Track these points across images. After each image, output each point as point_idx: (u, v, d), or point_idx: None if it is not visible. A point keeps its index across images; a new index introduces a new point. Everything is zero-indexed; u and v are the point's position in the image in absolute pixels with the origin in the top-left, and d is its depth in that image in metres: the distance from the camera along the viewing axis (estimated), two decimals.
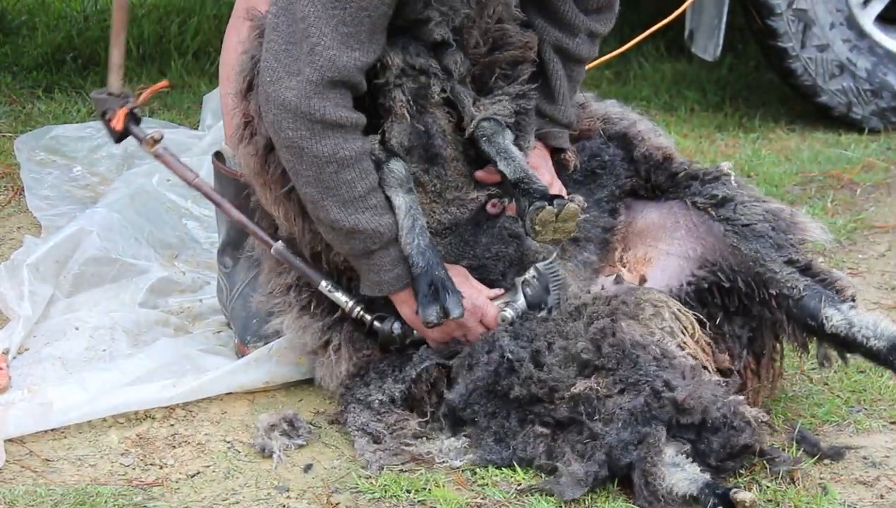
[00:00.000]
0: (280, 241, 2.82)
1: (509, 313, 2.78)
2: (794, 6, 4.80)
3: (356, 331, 2.85)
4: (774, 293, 2.81)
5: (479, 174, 2.78)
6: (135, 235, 3.58)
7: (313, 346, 2.88)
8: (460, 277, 2.76)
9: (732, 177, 2.96)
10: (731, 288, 2.84)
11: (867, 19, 4.92)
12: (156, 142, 2.89)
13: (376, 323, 2.81)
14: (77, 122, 4.52)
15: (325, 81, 2.55)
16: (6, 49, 5.46)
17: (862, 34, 4.91)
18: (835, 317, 2.78)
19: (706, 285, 2.86)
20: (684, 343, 2.75)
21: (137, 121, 2.92)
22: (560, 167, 2.94)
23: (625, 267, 2.92)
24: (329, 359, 2.86)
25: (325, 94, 2.56)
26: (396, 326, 2.81)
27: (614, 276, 2.89)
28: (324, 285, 2.80)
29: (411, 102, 2.70)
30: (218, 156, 3.22)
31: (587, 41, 2.91)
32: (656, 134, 3.07)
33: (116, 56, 2.85)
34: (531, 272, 2.81)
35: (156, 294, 3.40)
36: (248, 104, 2.73)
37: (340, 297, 2.80)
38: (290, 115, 2.58)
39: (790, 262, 2.84)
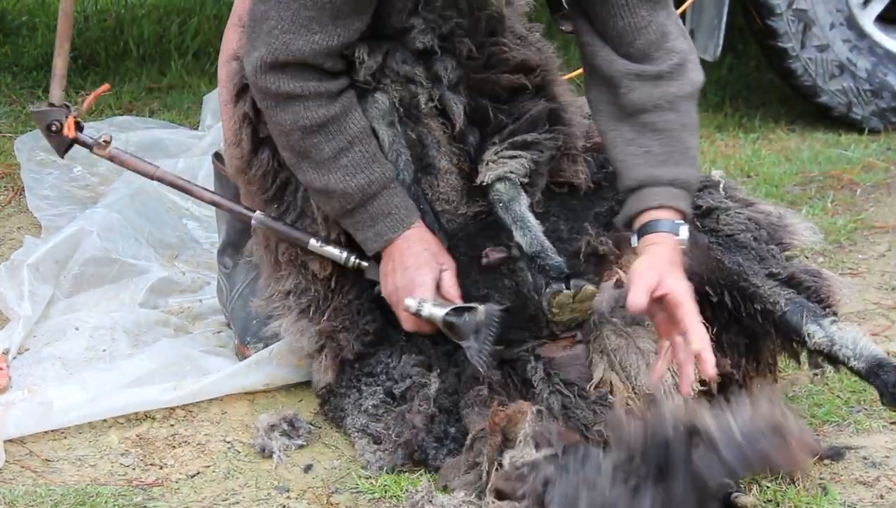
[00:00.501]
0: (258, 211, 2.82)
1: (413, 303, 2.66)
2: (794, 6, 4.80)
3: (352, 333, 2.82)
4: (759, 308, 2.81)
5: (487, 255, 2.76)
6: (135, 235, 3.58)
7: (309, 350, 2.87)
8: (426, 257, 2.70)
9: (721, 185, 2.94)
10: (719, 302, 2.84)
11: (867, 19, 4.92)
12: (107, 144, 2.91)
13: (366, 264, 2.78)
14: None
15: (279, 62, 2.59)
16: (6, 49, 5.46)
17: (862, 34, 4.91)
18: (817, 334, 2.77)
19: (697, 297, 2.85)
20: None
21: (81, 129, 2.95)
22: (571, 189, 2.90)
23: (621, 269, 2.92)
24: (323, 363, 2.85)
25: (279, 71, 2.59)
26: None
27: (614, 280, 2.88)
28: (313, 243, 2.78)
29: (400, 110, 2.70)
30: (218, 156, 3.22)
31: (640, 85, 2.66)
32: None
33: (60, 66, 2.86)
34: (482, 308, 2.66)
35: (156, 294, 3.40)
36: (239, 109, 2.75)
37: (333, 251, 2.78)
38: (255, 88, 2.65)
39: (772, 275, 2.83)
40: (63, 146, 2.95)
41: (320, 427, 2.87)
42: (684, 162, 2.65)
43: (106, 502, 2.56)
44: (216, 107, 4.22)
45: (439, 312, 2.65)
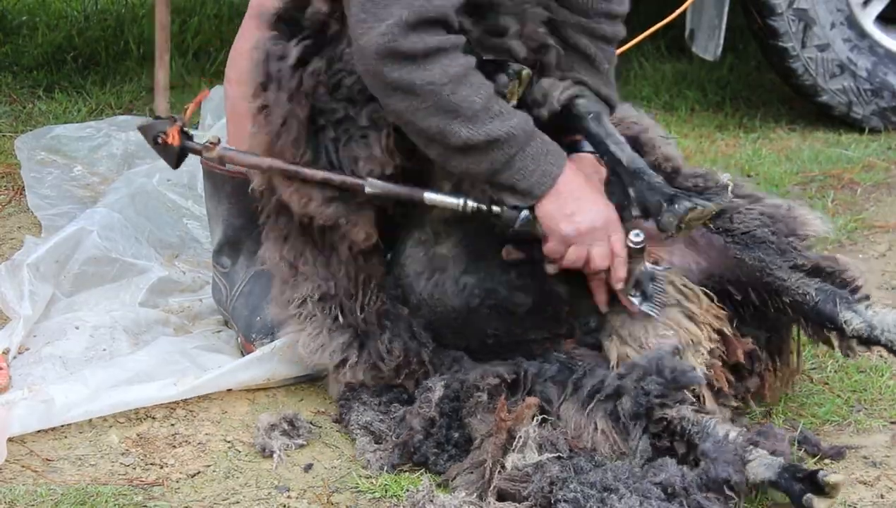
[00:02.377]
0: (368, 177, 2.73)
1: (640, 236, 2.67)
2: (795, 6, 4.80)
3: (373, 349, 2.82)
4: (788, 300, 2.80)
5: (508, 253, 2.75)
6: (135, 235, 3.59)
7: (330, 366, 2.85)
8: (594, 187, 2.71)
9: (730, 188, 2.94)
10: (743, 299, 2.83)
11: (868, 19, 4.92)
12: (215, 145, 2.86)
13: (495, 208, 2.71)
14: (77, 122, 4.52)
15: (421, 20, 2.54)
16: (6, 49, 5.46)
17: (862, 34, 4.91)
18: (854, 321, 2.77)
19: (717, 296, 2.84)
20: (693, 313, 2.75)
21: (189, 137, 2.89)
22: None
23: None
24: (344, 377, 2.85)
25: (423, 29, 2.55)
26: (525, 213, 2.69)
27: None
28: (427, 195, 2.72)
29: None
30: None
31: (606, 21, 2.88)
32: (667, 143, 3.03)
33: (162, 77, 2.83)
34: (651, 267, 2.73)
35: (156, 293, 3.40)
36: (265, 94, 2.72)
37: (447, 199, 2.72)
38: (391, 58, 2.55)
39: (796, 267, 2.82)
40: (173, 156, 2.88)
41: (321, 427, 2.87)
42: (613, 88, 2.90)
43: (106, 501, 2.56)
44: (216, 106, 4.22)
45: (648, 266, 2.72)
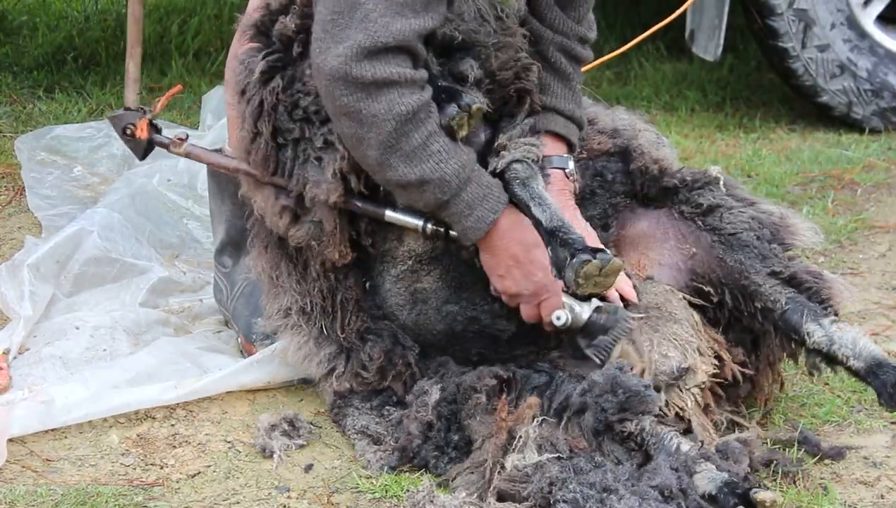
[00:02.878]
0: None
1: (564, 316, 2.67)
2: (795, 6, 4.80)
3: (357, 359, 2.82)
4: (759, 306, 2.82)
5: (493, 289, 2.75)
6: (135, 235, 3.59)
7: (318, 376, 2.86)
8: (528, 245, 2.69)
9: (721, 182, 2.94)
10: (720, 301, 2.84)
11: (868, 19, 4.92)
12: (182, 141, 2.89)
13: (452, 233, 2.72)
14: (78, 122, 4.52)
15: (378, 46, 2.53)
16: (7, 49, 5.46)
17: (863, 34, 4.91)
18: (816, 333, 2.79)
19: (699, 296, 2.86)
20: (699, 346, 2.76)
21: (158, 130, 2.94)
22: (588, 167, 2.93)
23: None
24: (332, 386, 2.85)
25: (377, 57, 2.54)
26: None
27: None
28: (388, 214, 2.73)
29: None
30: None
31: (579, 44, 2.91)
32: (657, 146, 3.03)
33: (133, 70, 2.84)
34: (608, 306, 2.69)
35: (156, 293, 3.40)
36: (243, 107, 2.72)
37: (408, 218, 2.72)
38: (341, 82, 2.55)
39: (774, 274, 2.83)
40: (140, 149, 2.94)
41: (321, 427, 2.87)
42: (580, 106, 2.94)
43: (106, 502, 2.56)
44: (216, 106, 4.23)
45: (582, 317, 2.68)
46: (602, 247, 2.65)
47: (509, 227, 2.67)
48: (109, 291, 3.37)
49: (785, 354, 2.87)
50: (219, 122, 4.04)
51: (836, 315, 2.82)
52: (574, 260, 2.53)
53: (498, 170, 2.69)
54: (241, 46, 2.81)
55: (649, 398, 2.59)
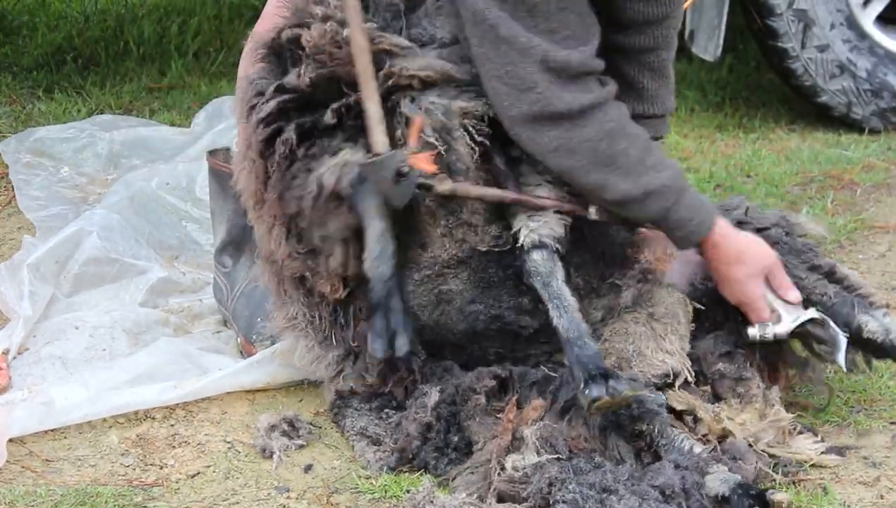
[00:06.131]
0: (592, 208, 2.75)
1: (753, 333, 2.75)
2: (795, 6, 4.80)
3: (363, 361, 2.81)
4: (804, 299, 2.80)
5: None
6: (135, 236, 3.59)
7: (326, 378, 2.86)
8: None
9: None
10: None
11: (867, 19, 4.92)
12: (447, 178, 2.63)
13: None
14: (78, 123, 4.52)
15: (565, 76, 2.56)
16: (6, 49, 5.46)
17: (862, 34, 4.91)
18: (870, 324, 2.79)
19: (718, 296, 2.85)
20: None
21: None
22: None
23: (645, 260, 2.90)
24: (339, 386, 2.84)
25: (568, 86, 2.56)
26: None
27: (640, 272, 2.85)
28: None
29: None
30: (212, 153, 3.21)
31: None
32: None
33: (374, 110, 2.51)
34: (825, 318, 2.75)
35: (156, 294, 3.40)
36: (250, 132, 2.69)
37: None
38: (545, 122, 2.57)
39: (814, 268, 2.83)
40: (409, 191, 2.57)
41: (320, 428, 2.87)
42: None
43: (106, 502, 2.56)
44: (212, 110, 4.26)
45: (785, 328, 2.75)
46: (614, 371, 2.59)
47: (727, 230, 2.72)
48: (109, 291, 3.37)
49: (811, 353, 2.86)
50: (212, 130, 4.07)
51: (887, 306, 2.83)
52: (587, 392, 2.52)
53: (520, 250, 2.69)
54: (251, 63, 2.79)
55: (660, 407, 2.58)
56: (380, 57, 2.58)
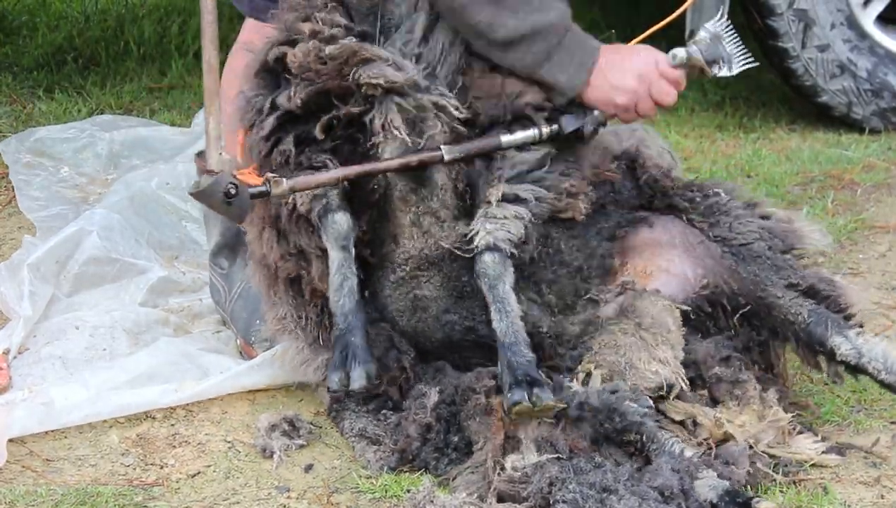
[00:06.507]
0: (443, 146, 2.70)
1: (681, 51, 2.79)
2: (795, 6, 4.79)
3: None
4: (780, 318, 2.82)
5: None
6: (135, 236, 3.59)
7: (315, 381, 2.88)
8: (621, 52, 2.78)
9: (722, 192, 2.94)
10: (735, 309, 2.84)
11: (868, 19, 4.92)
12: (278, 180, 2.57)
13: (563, 121, 2.76)
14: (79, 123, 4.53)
15: None
16: (7, 49, 5.46)
17: (862, 34, 4.90)
18: (843, 346, 2.79)
19: (709, 306, 2.85)
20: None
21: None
22: (602, 183, 2.92)
23: (626, 275, 2.91)
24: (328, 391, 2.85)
25: None
26: (589, 124, 2.77)
27: (620, 286, 2.86)
28: (504, 138, 2.72)
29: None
30: (201, 155, 3.18)
31: None
32: (660, 155, 3.04)
33: (213, 127, 2.45)
34: (700, 33, 2.82)
35: (156, 293, 3.40)
36: (253, 149, 2.71)
37: (524, 134, 2.73)
38: None
39: (791, 286, 2.83)
40: (245, 209, 2.54)
41: (321, 427, 2.87)
42: None
43: (106, 502, 2.56)
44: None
45: (693, 49, 2.85)
46: (540, 378, 2.59)
47: (607, 64, 2.76)
48: (109, 291, 3.37)
49: (809, 366, 2.88)
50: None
51: (860, 326, 2.82)
52: (509, 396, 2.54)
53: (475, 251, 2.69)
54: (239, 62, 2.80)
55: (643, 417, 2.59)
56: (357, 65, 2.63)
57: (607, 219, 2.90)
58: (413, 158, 2.68)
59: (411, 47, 2.69)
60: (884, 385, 2.80)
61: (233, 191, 2.47)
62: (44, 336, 3.15)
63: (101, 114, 4.72)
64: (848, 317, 2.83)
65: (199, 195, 2.50)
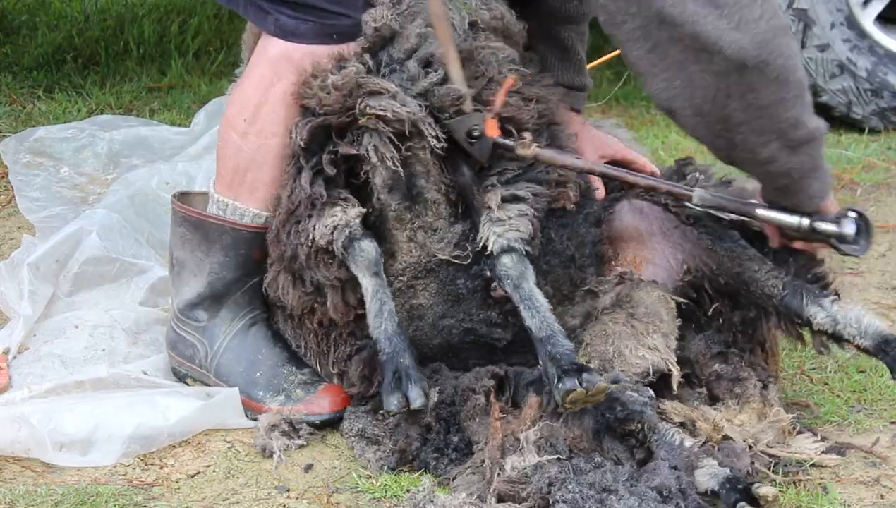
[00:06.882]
0: (698, 189, 2.80)
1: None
2: (795, 6, 4.80)
3: (347, 379, 2.84)
4: (757, 292, 2.84)
5: (495, 290, 2.75)
6: (135, 236, 3.59)
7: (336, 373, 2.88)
8: None
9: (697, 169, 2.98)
10: (718, 291, 2.86)
11: (867, 19, 4.93)
12: (530, 142, 2.70)
13: (824, 225, 2.79)
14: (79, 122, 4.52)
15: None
16: (6, 49, 5.46)
17: (862, 34, 4.91)
18: (819, 315, 2.81)
19: (693, 291, 2.87)
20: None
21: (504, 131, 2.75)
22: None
23: (620, 264, 2.92)
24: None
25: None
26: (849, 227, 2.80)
27: (618, 277, 2.87)
28: (759, 213, 2.76)
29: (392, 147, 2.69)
30: (183, 196, 3.03)
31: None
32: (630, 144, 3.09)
33: (457, 73, 2.63)
34: (851, 213, 2.80)
35: (156, 293, 3.40)
36: (294, 171, 2.75)
37: (784, 218, 2.77)
38: (766, 51, 2.55)
39: (766, 255, 2.85)
40: (487, 150, 2.70)
41: (321, 427, 2.87)
42: None
43: (106, 502, 2.56)
44: (213, 109, 4.25)
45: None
46: (588, 366, 2.60)
47: None
48: (109, 290, 3.37)
49: (791, 338, 2.89)
50: (212, 129, 4.07)
51: (836, 294, 2.84)
52: (560, 385, 2.53)
53: (490, 255, 2.70)
54: (257, 88, 2.80)
55: (644, 405, 2.59)
56: (363, 97, 2.65)
57: (591, 203, 2.92)
58: (664, 186, 2.80)
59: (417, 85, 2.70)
60: (861, 349, 2.80)
61: (475, 133, 2.68)
62: (43, 335, 3.15)
63: (101, 113, 4.72)
64: (825, 286, 2.84)
65: (451, 127, 2.69)
